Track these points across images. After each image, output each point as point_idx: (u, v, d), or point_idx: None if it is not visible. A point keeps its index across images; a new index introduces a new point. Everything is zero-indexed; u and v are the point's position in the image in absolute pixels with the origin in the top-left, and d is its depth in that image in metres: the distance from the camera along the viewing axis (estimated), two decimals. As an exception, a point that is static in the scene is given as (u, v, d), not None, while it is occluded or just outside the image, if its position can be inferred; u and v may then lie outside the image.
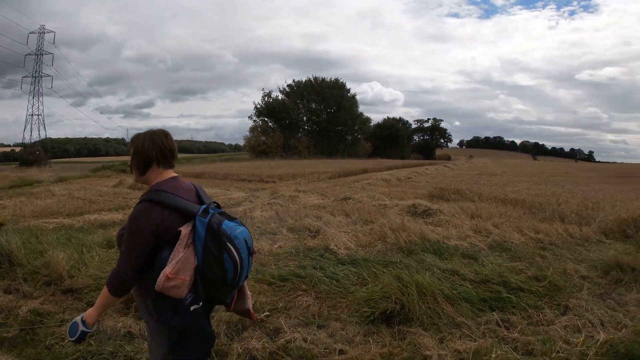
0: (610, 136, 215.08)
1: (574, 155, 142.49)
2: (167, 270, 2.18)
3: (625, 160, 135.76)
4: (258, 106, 70.27)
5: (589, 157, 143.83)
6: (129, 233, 2.32)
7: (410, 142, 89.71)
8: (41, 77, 74.55)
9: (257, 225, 8.76)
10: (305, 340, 3.85)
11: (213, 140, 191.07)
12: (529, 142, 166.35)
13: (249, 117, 71.45)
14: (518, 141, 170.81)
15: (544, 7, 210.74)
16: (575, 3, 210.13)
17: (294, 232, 8.05)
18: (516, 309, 4.59)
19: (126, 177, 22.57)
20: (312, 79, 73.40)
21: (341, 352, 3.72)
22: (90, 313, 2.41)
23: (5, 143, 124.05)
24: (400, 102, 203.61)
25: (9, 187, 22.21)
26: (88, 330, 2.41)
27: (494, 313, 4.43)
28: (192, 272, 2.25)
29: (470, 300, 4.64)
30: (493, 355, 3.59)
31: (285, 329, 4.02)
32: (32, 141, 73.39)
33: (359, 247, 7.03)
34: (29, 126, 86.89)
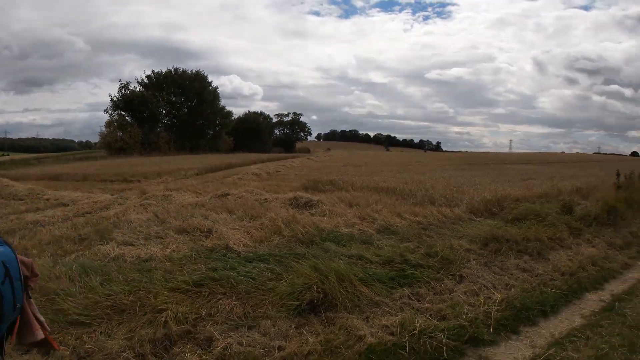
0: (456, 128, 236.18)
1: (423, 146, 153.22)
2: None
3: (469, 150, 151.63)
4: (114, 99, 64.42)
5: (437, 148, 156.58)
6: None
7: (271, 136, 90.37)
8: None
9: (138, 229, 8.22)
10: (241, 344, 3.81)
11: (62, 138, 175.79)
12: (381, 134, 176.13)
13: (104, 110, 65.37)
14: (372, 134, 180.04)
15: (400, 11, 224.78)
16: (430, 9, 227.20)
17: (184, 233, 7.69)
18: (421, 283, 5.26)
19: None
20: (172, 70, 69.97)
21: (280, 348, 3.76)
22: None
23: None
24: (260, 96, 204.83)
25: None
26: None
27: (404, 289, 5.00)
28: None
29: (382, 280, 5.10)
30: (417, 325, 4.08)
31: (217, 336, 3.90)
32: None
33: (256, 243, 6.97)
34: None
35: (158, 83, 68.49)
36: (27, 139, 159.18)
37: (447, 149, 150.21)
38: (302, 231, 7.21)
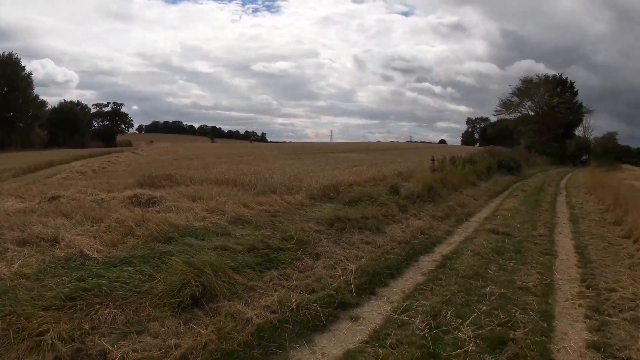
0: (280, 120, 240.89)
1: (249, 137, 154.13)
2: None
3: (293, 140, 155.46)
4: None
5: (262, 138, 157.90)
6: None
7: (90, 128, 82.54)
8: None
9: None
10: (136, 351, 3.75)
11: None
12: (206, 126, 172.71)
13: None
14: (196, 125, 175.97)
15: (230, 1, 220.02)
16: (260, 2, 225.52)
17: (26, 245, 6.76)
18: (285, 264, 5.91)
19: None
20: None
21: (177, 346, 3.80)
22: None
23: None
24: (75, 84, 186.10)
25: None
26: None
27: (272, 271, 5.58)
28: None
29: (251, 266, 5.53)
30: (293, 300, 4.71)
31: (110, 348, 3.75)
32: None
33: (108, 247, 6.55)
34: None
35: None
36: None
37: (272, 140, 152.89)
38: (156, 229, 7.06)
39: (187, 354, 3.73)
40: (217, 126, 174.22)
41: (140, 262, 5.47)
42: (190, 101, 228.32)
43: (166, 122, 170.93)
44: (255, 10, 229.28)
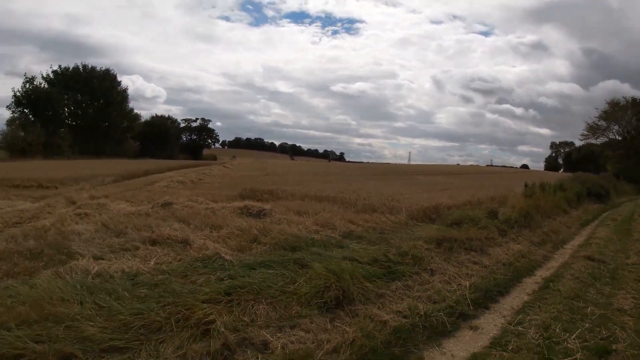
0: (358, 140, 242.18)
1: (328, 155, 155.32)
2: None
3: (370, 160, 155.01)
4: (17, 94, 58.74)
5: (341, 158, 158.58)
6: None
7: (179, 141, 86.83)
8: None
9: (97, 241, 7.94)
10: (293, 342, 4.23)
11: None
12: (287, 143, 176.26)
13: (7, 106, 59.26)
14: (277, 142, 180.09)
15: (310, 23, 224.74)
16: (339, 24, 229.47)
17: (158, 244, 7.56)
18: (405, 277, 6.47)
19: None
20: (80, 66, 64.55)
21: (327, 340, 4.30)
22: None
23: None
24: (162, 99, 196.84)
25: None
26: None
27: (396, 282, 6.16)
28: None
29: (377, 276, 6.12)
30: (420, 308, 5.30)
31: (271, 339, 4.21)
32: None
33: (235, 251, 7.19)
34: None
35: (64, 80, 62.94)
36: None
37: (350, 160, 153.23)
38: (282, 238, 7.70)
39: (338, 347, 4.21)
40: (297, 144, 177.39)
41: (278, 266, 6.03)
42: (271, 119, 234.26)
43: (248, 139, 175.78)
44: (334, 33, 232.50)
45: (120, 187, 20.84)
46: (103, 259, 6.74)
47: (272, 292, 5.16)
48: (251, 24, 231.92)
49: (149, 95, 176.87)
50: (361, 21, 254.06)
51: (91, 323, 4.11)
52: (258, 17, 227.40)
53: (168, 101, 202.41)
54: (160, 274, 5.88)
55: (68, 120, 64.90)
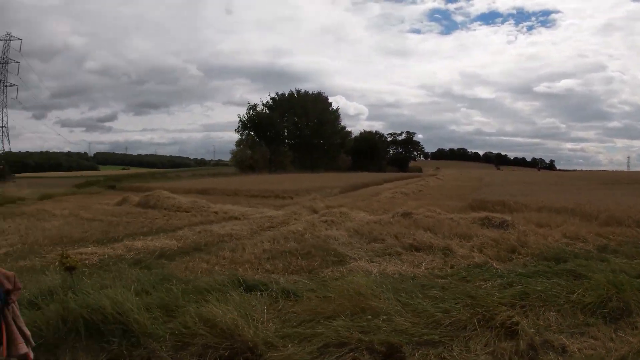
0: (569, 145, 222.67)
1: (536, 164, 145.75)
2: None
3: (584, 168, 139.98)
4: (244, 119, 69.86)
5: (550, 166, 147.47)
6: None
7: (386, 155, 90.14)
8: (6, 86, 71.96)
9: (357, 246, 8.90)
10: (585, 348, 4.24)
11: (178, 155, 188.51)
12: (491, 152, 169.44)
13: (235, 130, 71.01)
14: (481, 152, 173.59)
15: (502, 22, 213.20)
16: (533, 18, 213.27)
17: (421, 250, 8.21)
18: None
19: (130, 195, 22.16)
20: (294, 92, 73.29)
21: (615, 349, 4.21)
22: None
23: None
24: (365, 116, 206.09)
25: (-3, 205, 21.04)
26: None
27: None
28: None
29: None
30: None
31: (568, 343, 4.28)
32: None
33: (495, 260, 7.42)
34: None
35: (282, 104, 71.89)
36: (146, 155, 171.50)
37: (562, 168, 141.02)
38: (541, 250, 7.69)
39: (626, 355, 4.06)
40: (503, 153, 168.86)
41: (552, 276, 6.05)
42: (473, 128, 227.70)
43: (451, 150, 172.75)
44: (529, 28, 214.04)
45: (348, 198, 22.51)
46: (373, 262, 7.53)
47: (558, 300, 5.19)
48: (442, 33, 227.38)
49: (352, 113, 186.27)
50: (556, 11, 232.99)
51: (402, 318, 4.59)
52: (448, 25, 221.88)
53: (370, 117, 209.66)
54: (437, 277, 6.42)
55: (287, 140, 72.61)
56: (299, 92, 73.66)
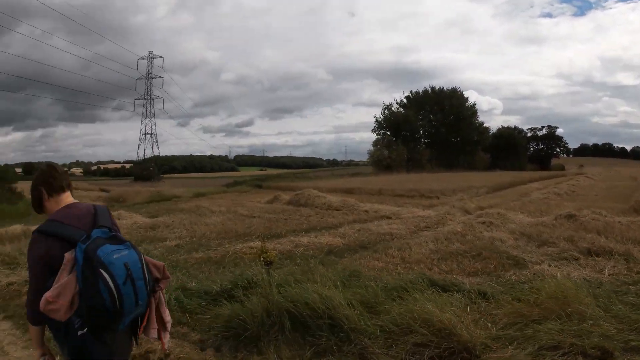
0: None
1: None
2: (48, 294, 2.28)
3: None
4: (379, 119, 70.11)
5: None
6: (28, 263, 2.50)
7: (526, 152, 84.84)
8: (152, 99, 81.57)
9: (528, 249, 8.72)
10: None
11: (311, 156, 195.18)
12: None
13: (371, 130, 71.26)
14: (628, 147, 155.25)
15: None
16: None
17: (601, 255, 7.89)
18: None
19: (280, 193, 23.06)
20: (429, 89, 72.47)
21: None
22: (32, 353, 2.86)
23: (116, 160, 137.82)
24: (499, 111, 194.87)
25: (148, 202, 23.87)
26: None
27: None
28: (72, 297, 2.30)
29: None
30: None
31: None
32: (144, 158, 79.63)
33: None
34: (142, 144, 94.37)
35: (417, 103, 71.12)
36: (282, 157, 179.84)
37: None
38: None
39: None
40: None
41: None
42: (617, 120, 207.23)
43: (595, 145, 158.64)
44: None
45: (497, 198, 22.00)
46: (550, 266, 7.31)
47: None
48: (575, 14, 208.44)
49: (486, 108, 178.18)
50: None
51: (607, 323, 4.47)
52: (581, 5, 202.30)
53: (505, 112, 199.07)
54: (624, 284, 6.16)
55: (423, 138, 71.43)
56: (433, 88, 72.60)
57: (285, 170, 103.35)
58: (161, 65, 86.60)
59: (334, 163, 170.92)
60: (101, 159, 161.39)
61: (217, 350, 4.51)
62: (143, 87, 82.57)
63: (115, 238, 2.46)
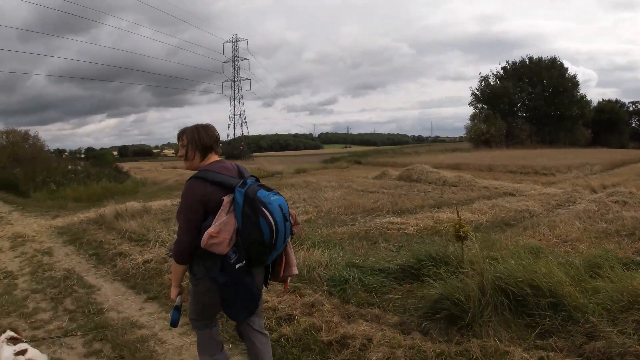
0: None
1: None
2: (211, 229, 2.62)
3: None
4: (476, 92, 67.65)
5: None
6: (182, 206, 2.79)
7: (628, 127, 77.41)
8: (239, 80, 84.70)
9: None
10: None
11: (395, 133, 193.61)
12: None
13: (468, 103, 69.20)
14: None
15: None
16: None
17: None
18: None
19: (388, 169, 22.97)
20: (526, 59, 68.09)
21: None
22: (171, 291, 3.00)
23: None
24: (594, 83, 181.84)
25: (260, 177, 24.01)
26: (176, 305, 2.98)
27: None
28: (232, 233, 2.64)
29: None
30: None
31: None
32: (233, 137, 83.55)
33: None
34: (231, 124, 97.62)
35: (514, 74, 67.50)
36: (365, 134, 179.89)
37: None
38: None
39: None
40: None
41: None
42: None
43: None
44: None
45: (614, 176, 20.91)
46: None
47: None
48: None
49: (580, 79, 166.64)
50: None
51: None
52: None
53: (601, 84, 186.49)
54: None
55: (521, 112, 68.00)
56: (530, 59, 67.83)
57: (370, 147, 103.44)
58: (246, 47, 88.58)
59: (419, 139, 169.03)
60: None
61: (425, 334, 4.17)
62: (230, 70, 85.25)
63: (263, 186, 2.83)
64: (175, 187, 20.73)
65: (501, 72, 68.78)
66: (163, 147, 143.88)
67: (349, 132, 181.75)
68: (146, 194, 18.24)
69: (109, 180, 21.73)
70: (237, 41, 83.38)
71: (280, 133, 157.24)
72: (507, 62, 69.27)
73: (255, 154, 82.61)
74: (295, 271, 3.13)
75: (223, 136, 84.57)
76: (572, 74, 67.45)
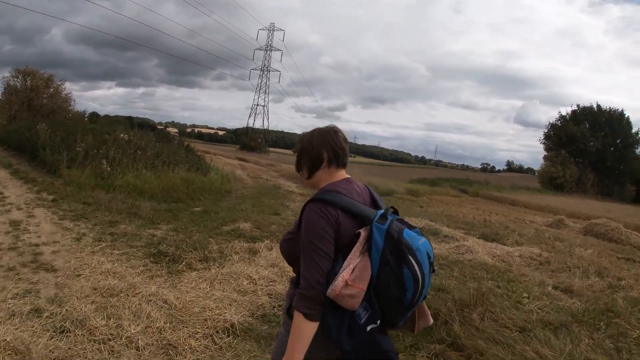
0: None
1: None
2: (346, 275, 1.81)
3: None
4: (549, 132, 64.85)
5: None
6: (308, 237, 1.89)
7: None
8: (269, 71, 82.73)
9: None
10: None
11: (399, 150, 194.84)
12: None
13: (538, 140, 66.20)
14: None
15: None
16: None
17: None
18: None
19: (564, 218, 19.31)
20: (595, 106, 64.89)
21: None
22: None
23: (210, 125, 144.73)
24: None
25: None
26: None
27: None
28: (367, 283, 1.84)
29: None
30: None
31: None
32: (247, 127, 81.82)
33: None
34: (253, 114, 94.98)
35: (584, 120, 64.42)
36: (369, 146, 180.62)
37: None
38: None
39: None
40: None
41: None
42: None
43: None
44: None
45: None
46: None
47: None
48: None
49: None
50: None
51: None
52: None
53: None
54: None
55: (587, 159, 64.90)
56: (599, 107, 64.57)
57: (372, 160, 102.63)
58: (282, 39, 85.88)
59: (422, 160, 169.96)
60: (196, 123, 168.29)
61: None
62: (260, 59, 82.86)
63: (406, 222, 1.98)
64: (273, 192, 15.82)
65: (570, 114, 65.72)
66: (167, 124, 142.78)
67: (355, 142, 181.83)
68: (241, 198, 13.13)
69: (189, 169, 14.54)
70: (273, 30, 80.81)
71: (285, 130, 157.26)
72: (577, 105, 65.84)
73: (272, 149, 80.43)
74: (431, 321, 2.18)
75: (226, 124, 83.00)
76: (636, 131, 64.73)
